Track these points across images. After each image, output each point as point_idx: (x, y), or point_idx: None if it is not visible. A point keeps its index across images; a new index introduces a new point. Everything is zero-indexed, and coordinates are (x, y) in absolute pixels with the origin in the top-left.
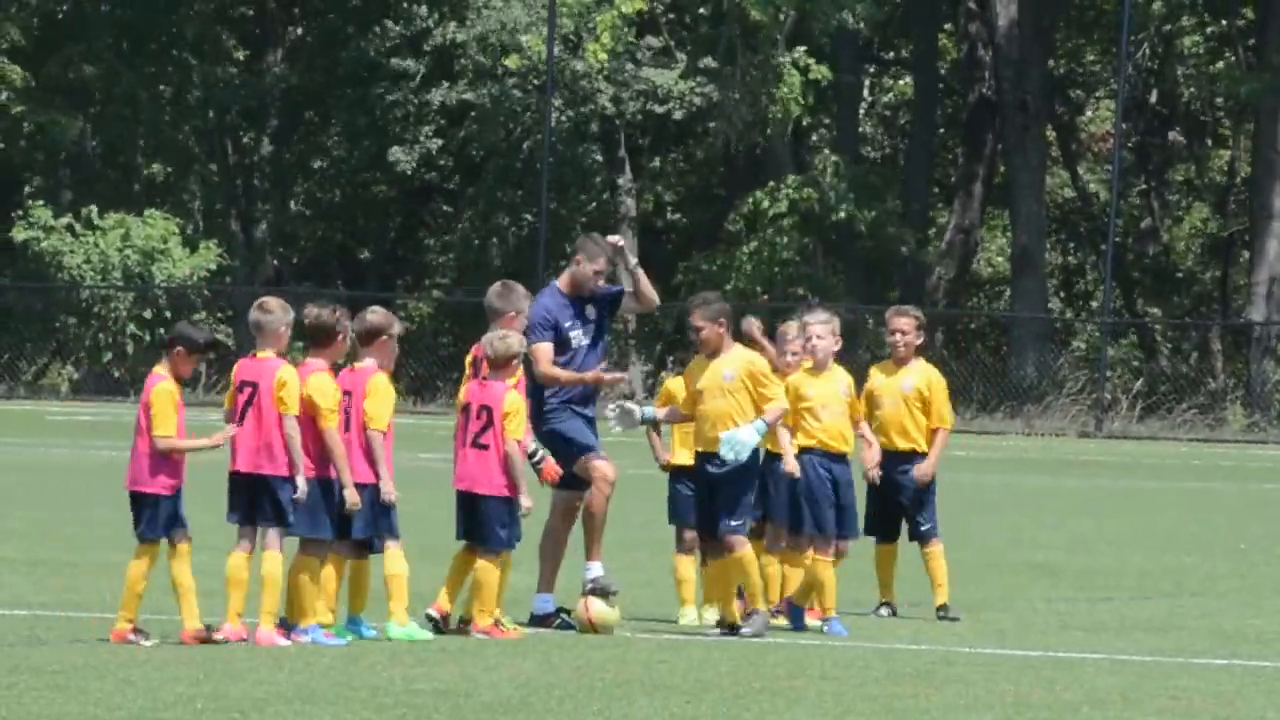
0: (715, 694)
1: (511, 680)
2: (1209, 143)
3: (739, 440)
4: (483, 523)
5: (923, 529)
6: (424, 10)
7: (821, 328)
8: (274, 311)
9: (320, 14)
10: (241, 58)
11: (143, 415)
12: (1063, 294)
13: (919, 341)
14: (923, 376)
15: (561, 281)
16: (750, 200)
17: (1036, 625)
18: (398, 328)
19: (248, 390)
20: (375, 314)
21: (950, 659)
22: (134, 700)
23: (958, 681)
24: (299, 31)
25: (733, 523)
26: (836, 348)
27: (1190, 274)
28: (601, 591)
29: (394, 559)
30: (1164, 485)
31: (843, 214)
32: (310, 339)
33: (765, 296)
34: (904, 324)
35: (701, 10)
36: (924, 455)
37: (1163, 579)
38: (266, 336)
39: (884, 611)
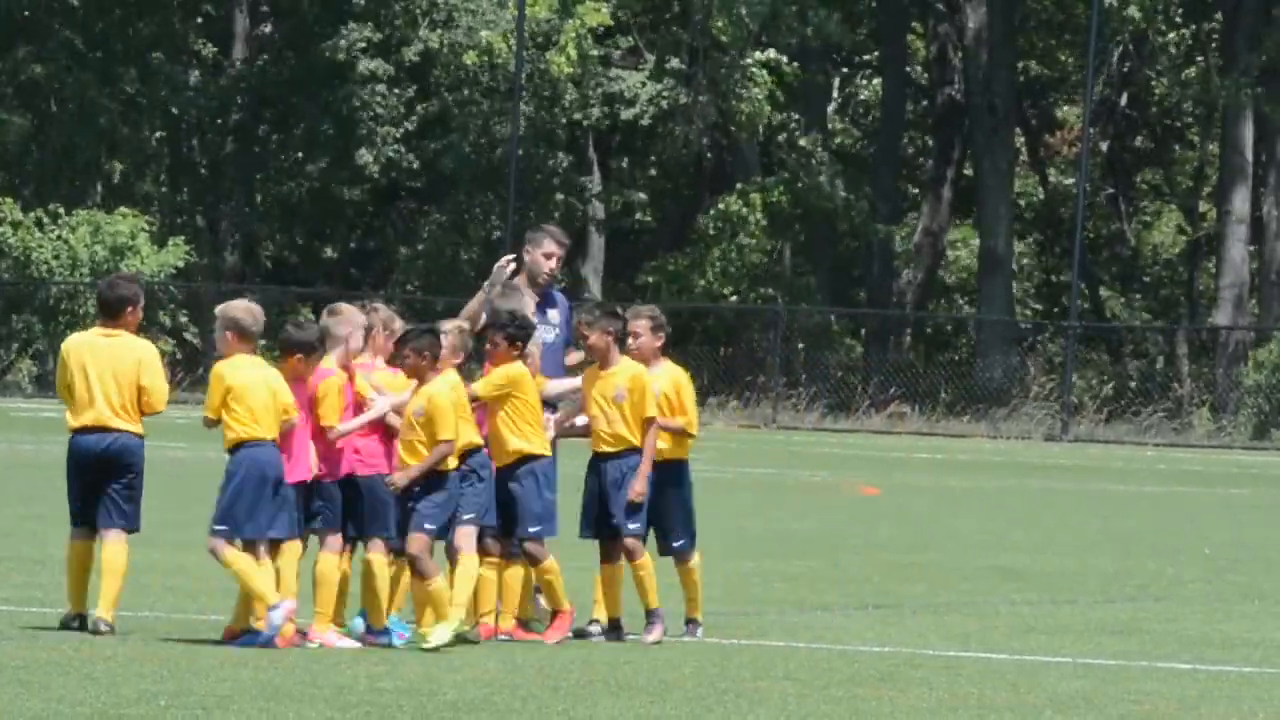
0: (679, 694)
1: (475, 680)
2: (1176, 147)
3: None
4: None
5: (676, 544)
6: (395, 10)
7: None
8: (342, 312)
9: (289, 13)
10: (208, 54)
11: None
12: (1032, 296)
13: (657, 344)
14: (669, 380)
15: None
16: (720, 203)
17: (1000, 628)
18: (398, 323)
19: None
20: (375, 311)
21: (914, 661)
22: (97, 696)
23: (921, 684)
24: (266, 29)
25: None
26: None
27: (1158, 278)
28: None
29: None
30: (1129, 489)
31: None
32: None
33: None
34: (639, 325)
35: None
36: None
37: (1127, 583)
38: (335, 340)
39: (596, 627)
